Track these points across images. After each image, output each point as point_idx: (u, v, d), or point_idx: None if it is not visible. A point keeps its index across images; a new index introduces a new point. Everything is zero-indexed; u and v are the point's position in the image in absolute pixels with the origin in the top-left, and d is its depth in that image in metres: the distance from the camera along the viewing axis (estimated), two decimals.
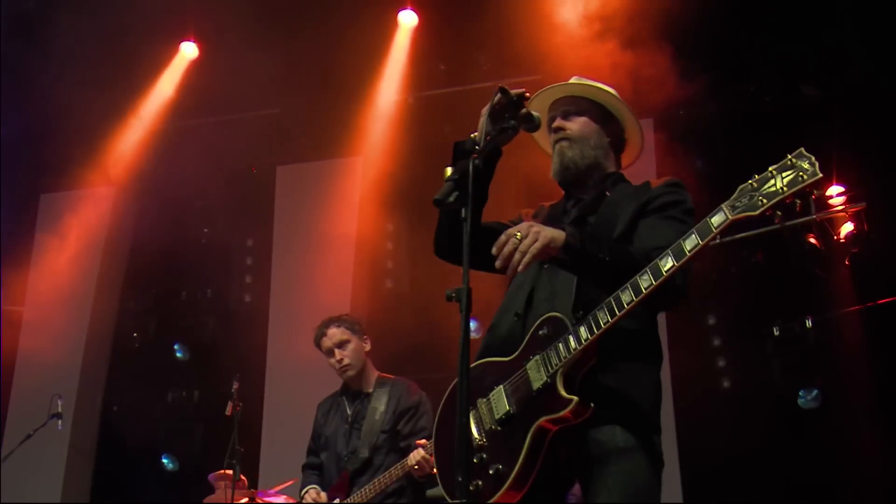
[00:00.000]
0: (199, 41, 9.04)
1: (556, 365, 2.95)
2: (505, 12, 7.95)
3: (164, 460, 9.69)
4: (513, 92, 3.05)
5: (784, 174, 2.62)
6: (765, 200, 2.65)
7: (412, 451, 4.93)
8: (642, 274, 2.85)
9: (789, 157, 2.64)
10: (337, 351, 5.22)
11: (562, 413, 2.88)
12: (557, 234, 2.96)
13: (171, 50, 9.14)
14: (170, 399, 9.85)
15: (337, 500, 5.03)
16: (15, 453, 8.42)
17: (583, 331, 2.92)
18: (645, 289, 2.82)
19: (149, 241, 10.15)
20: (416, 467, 4.83)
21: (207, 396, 9.50)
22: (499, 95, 3.05)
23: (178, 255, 9.94)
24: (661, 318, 3.62)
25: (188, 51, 9.08)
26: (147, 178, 9.95)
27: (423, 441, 4.90)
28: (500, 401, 3.08)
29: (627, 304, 2.84)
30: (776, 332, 8.01)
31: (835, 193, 7.94)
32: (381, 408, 5.16)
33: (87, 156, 9.70)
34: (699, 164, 8.00)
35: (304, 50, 8.54)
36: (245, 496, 5.66)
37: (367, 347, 5.35)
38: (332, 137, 8.86)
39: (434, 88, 9.06)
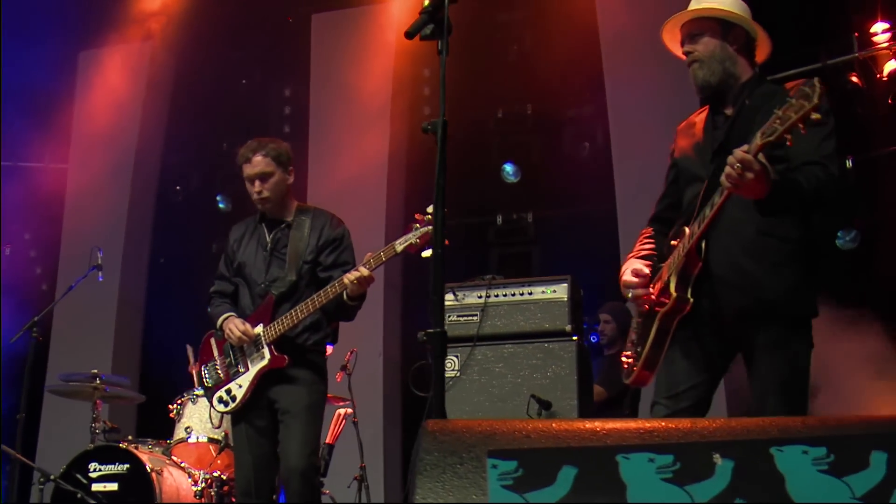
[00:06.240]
0: None
1: (670, 269, 3.50)
2: None
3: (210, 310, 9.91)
4: None
5: (795, 102, 2.94)
6: (779, 126, 2.98)
7: (333, 282, 4.65)
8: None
9: (803, 87, 2.95)
10: (258, 182, 4.79)
11: (667, 307, 3.46)
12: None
13: None
14: (214, 250, 9.95)
15: (260, 326, 4.75)
16: (69, 304, 8.58)
17: (686, 241, 3.46)
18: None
19: (188, 95, 10.18)
20: (354, 282, 4.49)
21: None
22: None
23: (218, 108, 9.92)
24: None
25: None
26: (184, 30, 9.84)
27: (370, 254, 4.59)
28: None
29: (711, 210, 3.35)
30: None
31: (879, 31, 7.75)
32: (305, 237, 4.80)
33: (123, 11, 9.68)
34: None
35: None
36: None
37: (291, 180, 4.89)
38: None
39: None
